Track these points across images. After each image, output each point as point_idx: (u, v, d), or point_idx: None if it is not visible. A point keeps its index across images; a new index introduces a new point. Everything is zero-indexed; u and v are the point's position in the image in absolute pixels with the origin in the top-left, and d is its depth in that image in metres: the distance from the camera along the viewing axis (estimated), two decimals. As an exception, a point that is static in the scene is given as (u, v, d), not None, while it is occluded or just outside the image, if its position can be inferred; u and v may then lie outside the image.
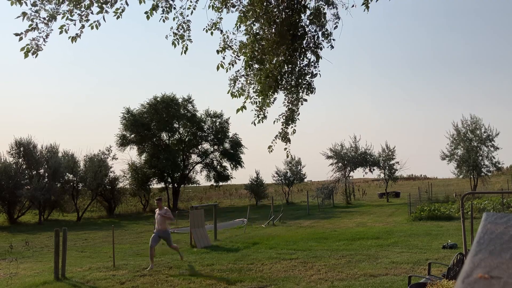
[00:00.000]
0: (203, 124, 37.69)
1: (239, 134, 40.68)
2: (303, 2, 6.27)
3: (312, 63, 6.49)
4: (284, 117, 6.72)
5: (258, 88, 6.39)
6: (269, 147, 6.83)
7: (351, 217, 22.65)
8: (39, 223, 26.50)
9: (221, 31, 6.46)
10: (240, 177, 60.26)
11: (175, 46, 6.32)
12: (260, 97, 6.46)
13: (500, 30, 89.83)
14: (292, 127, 6.74)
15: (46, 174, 28.00)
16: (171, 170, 35.77)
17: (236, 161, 38.70)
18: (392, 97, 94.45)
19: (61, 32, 5.13)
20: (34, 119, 73.44)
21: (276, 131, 6.77)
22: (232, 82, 6.49)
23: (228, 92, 6.50)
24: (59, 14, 5.12)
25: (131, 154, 41.33)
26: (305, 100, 6.63)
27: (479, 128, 32.61)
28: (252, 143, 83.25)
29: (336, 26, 6.41)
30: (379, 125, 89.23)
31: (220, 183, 39.55)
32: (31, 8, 5.00)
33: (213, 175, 38.68)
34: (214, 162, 38.95)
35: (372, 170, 35.39)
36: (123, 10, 5.48)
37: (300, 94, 6.58)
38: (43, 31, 5.09)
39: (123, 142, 36.15)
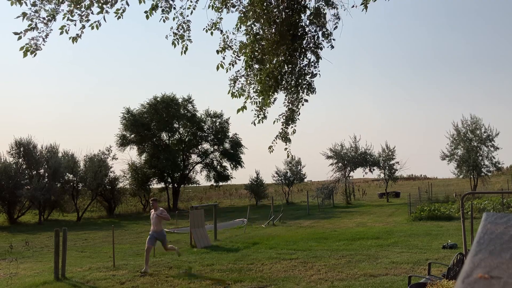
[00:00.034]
0: (203, 124, 37.68)
1: (239, 134, 40.74)
2: (303, 2, 6.27)
3: (312, 63, 6.49)
4: (284, 117, 6.72)
5: (258, 88, 6.39)
6: (270, 147, 6.83)
7: (351, 217, 22.65)
8: (39, 223, 26.50)
9: (221, 31, 6.47)
10: (240, 177, 60.34)
11: (175, 46, 6.32)
12: (260, 97, 6.47)
13: (500, 30, 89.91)
14: (292, 127, 6.75)
15: (46, 174, 28.00)
16: (171, 170, 35.77)
17: (236, 161, 38.70)
18: (393, 97, 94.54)
19: (61, 33, 5.14)
20: (34, 119, 73.49)
21: (276, 131, 6.78)
22: (232, 82, 6.50)
23: (228, 92, 6.51)
24: (58, 13, 5.12)
25: (131, 154, 41.42)
26: (306, 100, 6.64)
27: (479, 128, 32.62)
28: (252, 143, 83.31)
29: (336, 27, 6.42)
30: (380, 125, 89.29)
31: (220, 183, 39.54)
32: (30, 8, 5.00)
33: (213, 175, 38.68)
34: (214, 162, 38.95)
35: (372, 170, 35.42)
36: (123, 11, 5.48)
37: (300, 94, 6.59)
38: (43, 31, 5.09)
39: (123, 142, 36.16)
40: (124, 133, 36.26)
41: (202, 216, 14.40)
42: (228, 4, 6.30)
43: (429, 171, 77.24)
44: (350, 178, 36.32)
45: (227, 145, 38.61)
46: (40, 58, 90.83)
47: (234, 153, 38.51)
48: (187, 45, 6.34)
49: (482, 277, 0.52)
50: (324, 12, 6.31)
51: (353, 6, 6.36)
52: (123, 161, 48.14)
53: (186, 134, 38.09)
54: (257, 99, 6.52)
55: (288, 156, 7.09)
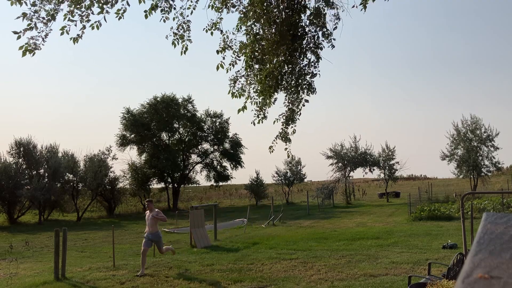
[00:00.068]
0: (203, 124, 37.69)
1: (239, 134, 40.76)
2: (303, 2, 6.27)
3: (312, 63, 6.49)
4: (284, 117, 6.73)
5: (258, 88, 6.39)
6: (270, 147, 6.83)
7: (351, 217, 22.65)
8: (39, 223, 26.50)
9: (221, 31, 6.47)
10: (240, 177, 60.35)
11: (175, 46, 6.32)
12: (261, 97, 6.47)
13: (500, 30, 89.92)
14: (292, 127, 6.75)
15: (46, 174, 28.00)
16: (171, 170, 35.77)
17: (236, 161, 38.70)
18: (392, 97, 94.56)
19: (62, 33, 5.14)
20: (34, 119, 73.52)
21: (276, 131, 6.78)
22: (232, 82, 6.50)
23: (228, 93, 6.51)
24: (58, 13, 5.12)
25: (131, 154, 41.47)
26: (307, 101, 6.63)
27: (479, 128, 32.61)
28: (252, 143, 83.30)
29: (336, 27, 6.42)
30: (379, 125, 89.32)
31: (220, 183, 39.54)
32: (30, 8, 5.00)
33: (213, 175, 38.68)
34: (214, 162, 38.96)
35: (372, 170, 35.42)
36: (124, 11, 5.48)
37: (301, 94, 6.59)
38: (42, 30, 5.09)
39: (123, 142, 36.17)
40: (124, 133, 36.28)
41: (202, 216, 14.40)
42: (228, 4, 6.30)
43: (429, 171, 77.28)
44: (350, 178, 36.33)
45: (227, 145, 38.61)
46: (41, 58, 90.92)
47: (234, 153, 38.51)
48: (187, 45, 6.35)
49: (482, 277, 0.52)
50: (324, 12, 6.32)
51: (353, 6, 6.37)
52: (123, 161, 48.25)
53: (186, 134, 38.09)
54: (257, 99, 6.52)
55: (288, 156, 7.10)
